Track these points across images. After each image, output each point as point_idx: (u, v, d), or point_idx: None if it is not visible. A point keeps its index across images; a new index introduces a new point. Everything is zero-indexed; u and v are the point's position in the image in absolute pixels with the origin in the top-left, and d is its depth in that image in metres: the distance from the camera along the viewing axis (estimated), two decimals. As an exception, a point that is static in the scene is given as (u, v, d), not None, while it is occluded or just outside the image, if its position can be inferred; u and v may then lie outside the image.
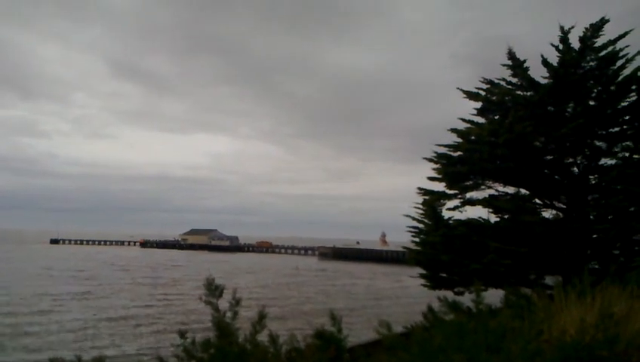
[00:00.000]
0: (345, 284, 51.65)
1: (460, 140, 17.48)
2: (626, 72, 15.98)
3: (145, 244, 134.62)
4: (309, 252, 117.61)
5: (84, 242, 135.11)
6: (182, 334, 3.81)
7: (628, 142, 16.16)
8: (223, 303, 4.23)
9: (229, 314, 4.02)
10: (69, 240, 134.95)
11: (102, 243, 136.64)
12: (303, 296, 40.03)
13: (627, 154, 16.06)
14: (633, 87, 15.99)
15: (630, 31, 15.82)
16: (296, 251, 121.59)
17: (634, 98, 15.97)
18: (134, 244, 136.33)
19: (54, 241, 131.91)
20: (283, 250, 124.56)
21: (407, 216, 17.89)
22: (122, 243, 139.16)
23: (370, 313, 29.40)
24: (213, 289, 3.83)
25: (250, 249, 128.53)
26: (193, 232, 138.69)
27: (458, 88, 17.99)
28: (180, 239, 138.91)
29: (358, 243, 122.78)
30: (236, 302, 3.95)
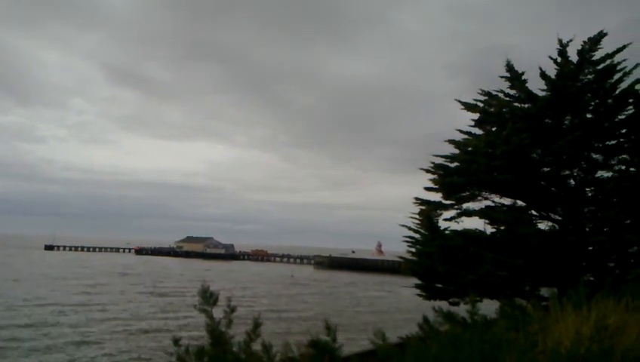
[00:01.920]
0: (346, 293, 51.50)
1: (457, 151, 17.53)
2: (624, 85, 16.09)
3: (140, 251, 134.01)
4: (305, 261, 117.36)
5: (79, 248, 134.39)
6: (176, 341, 3.78)
7: (624, 155, 16.22)
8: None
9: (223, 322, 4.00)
10: (64, 247, 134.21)
11: (97, 249, 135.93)
12: (299, 309, 39.84)
13: (624, 167, 16.11)
14: (630, 100, 16.07)
15: (628, 45, 15.95)
16: (291, 260, 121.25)
17: (631, 111, 16.05)
18: (129, 251, 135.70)
19: (49, 247, 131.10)
20: (278, 259, 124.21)
21: (404, 226, 17.89)
22: (117, 250, 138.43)
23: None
24: (208, 297, 3.81)
25: (246, 257, 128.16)
26: (189, 240, 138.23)
27: (456, 100, 18.07)
28: (175, 246, 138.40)
29: (353, 252, 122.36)
30: (231, 310, 3.93)
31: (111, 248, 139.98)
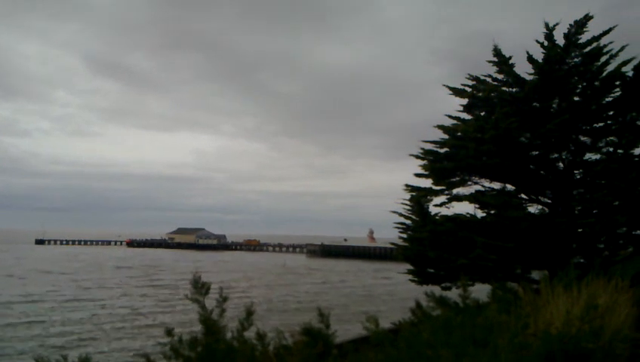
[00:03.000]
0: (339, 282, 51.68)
1: (446, 137, 17.55)
2: (610, 67, 16.14)
3: (131, 244, 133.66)
4: (297, 249, 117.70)
5: (70, 242, 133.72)
6: (169, 332, 3.77)
7: (612, 138, 16.32)
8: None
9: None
10: (55, 241, 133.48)
11: (88, 243, 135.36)
12: (293, 295, 39.94)
13: (611, 150, 16.22)
14: (617, 83, 16.14)
15: (614, 27, 15.98)
16: (284, 249, 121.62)
17: (618, 94, 16.13)
18: (121, 244, 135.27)
19: (39, 242, 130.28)
20: (271, 248, 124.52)
21: (395, 212, 17.95)
22: (109, 242, 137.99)
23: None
24: (200, 287, 3.80)
25: (238, 247, 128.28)
26: (180, 231, 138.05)
27: (445, 85, 18.07)
28: (167, 238, 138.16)
29: (345, 240, 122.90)
30: (223, 300, 3.93)
31: (102, 241, 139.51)
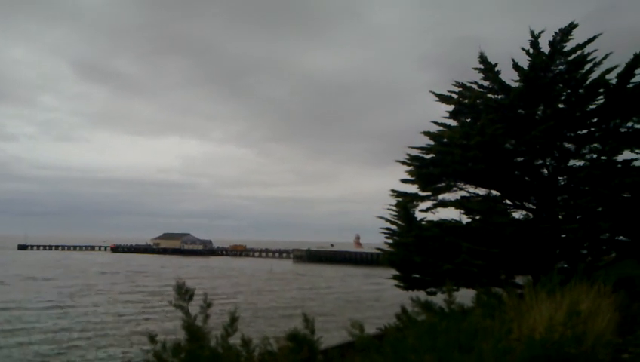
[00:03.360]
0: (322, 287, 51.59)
1: (432, 143, 17.65)
2: (594, 75, 16.36)
3: (116, 249, 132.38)
4: (284, 255, 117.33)
5: (54, 248, 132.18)
6: (152, 338, 3.74)
7: (596, 144, 16.52)
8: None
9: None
10: (38, 246, 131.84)
11: (71, 248, 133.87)
12: (279, 301, 39.79)
13: (595, 156, 16.42)
14: (601, 90, 16.35)
15: (598, 35, 16.20)
16: (270, 254, 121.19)
17: (601, 101, 16.34)
18: (105, 249, 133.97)
19: (22, 247, 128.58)
20: (257, 253, 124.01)
21: (381, 217, 17.98)
22: (93, 248, 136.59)
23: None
24: (183, 293, 3.77)
25: (224, 252, 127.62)
26: (166, 236, 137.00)
27: (431, 91, 18.17)
28: (152, 243, 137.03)
29: (332, 245, 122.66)
30: (207, 306, 3.90)
31: (86, 246, 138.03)
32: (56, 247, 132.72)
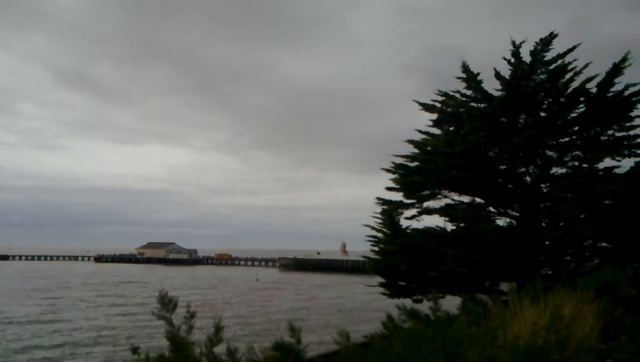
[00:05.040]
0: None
1: (416, 151, 17.75)
2: (575, 84, 16.61)
3: (100, 259, 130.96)
4: (270, 263, 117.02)
5: (36, 258, 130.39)
6: (134, 350, 3.70)
7: (577, 152, 16.75)
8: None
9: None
10: (20, 256, 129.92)
11: (54, 258, 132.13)
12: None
13: (577, 164, 16.64)
14: (581, 99, 16.61)
15: (578, 45, 16.48)
16: (256, 263, 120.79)
17: (582, 110, 16.58)
18: (88, 259, 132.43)
19: (3, 257, 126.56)
20: (243, 262, 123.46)
21: (367, 225, 18.01)
22: (76, 258, 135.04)
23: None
24: (167, 303, 3.74)
25: (210, 262, 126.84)
26: (150, 246, 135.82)
27: (415, 100, 18.31)
28: (136, 253, 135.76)
29: (318, 253, 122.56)
30: (191, 316, 3.88)
31: (69, 256, 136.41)
32: (39, 258, 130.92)
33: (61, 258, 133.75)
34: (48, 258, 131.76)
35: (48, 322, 32.57)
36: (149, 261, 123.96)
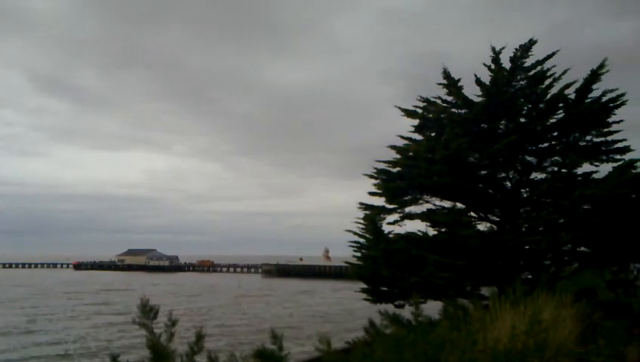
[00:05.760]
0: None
1: (398, 156, 17.87)
2: (554, 90, 16.90)
3: (79, 266, 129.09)
4: (252, 270, 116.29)
5: (14, 265, 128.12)
6: (114, 358, 3.66)
7: (557, 157, 16.99)
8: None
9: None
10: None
11: (32, 266, 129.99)
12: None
13: (556, 169, 16.86)
14: (560, 105, 16.88)
15: (557, 52, 16.75)
16: (238, 269, 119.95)
17: (561, 115, 16.84)
18: (68, 267, 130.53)
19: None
20: (225, 269, 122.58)
21: (349, 231, 18.04)
22: (55, 265, 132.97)
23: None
24: (148, 311, 3.71)
25: (191, 268, 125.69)
26: (130, 253, 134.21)
27: (396, 106, 18.44)
28: (116, 260, 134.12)
29: (301, 259, 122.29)
30: (172, 324, 3.85)
31: (48, 264, 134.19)
32: (17, 265, 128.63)
33: (40, 265, 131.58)
34: (27, 265, 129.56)
35: (26, 333, 31.84)
36: (130, 268, 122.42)
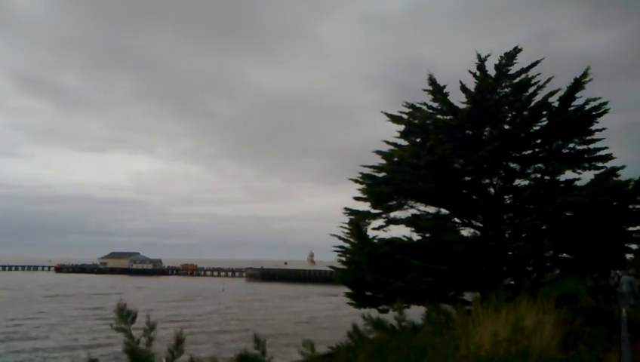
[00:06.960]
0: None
1: (384, 162, 17.90)
2: (538, 98, 17.05)
3: (61, 269, 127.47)
4: (237, 273, 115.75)
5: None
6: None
7: (540, 165, 17.13)
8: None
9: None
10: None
11: (12, 268, 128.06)
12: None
13: (539, 176, 17.00)
14: (544, 113, 17.03)
15: (541, 60, 16.91)
16: (222, 273, 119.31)
17: (545, 123, 16.99)
18: (49, 269, 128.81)
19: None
20: (209, 273, 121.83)
21: (334, 235, 18.02)
22: (36, 268, 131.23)
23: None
24: (125, 316, 3.65)
25: (175, 272, 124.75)
26: (113, 256, 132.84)
27: (382, 112, 18.48)
28: (99, 263, 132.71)
29: (286, 263, 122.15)
30: (151, 328, 3.79)
31: (29, 266, 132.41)
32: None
33: (20, 268, 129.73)
34: (7, 268, 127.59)
35: (5, 341, 31.16)
36: (112, 271, 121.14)
